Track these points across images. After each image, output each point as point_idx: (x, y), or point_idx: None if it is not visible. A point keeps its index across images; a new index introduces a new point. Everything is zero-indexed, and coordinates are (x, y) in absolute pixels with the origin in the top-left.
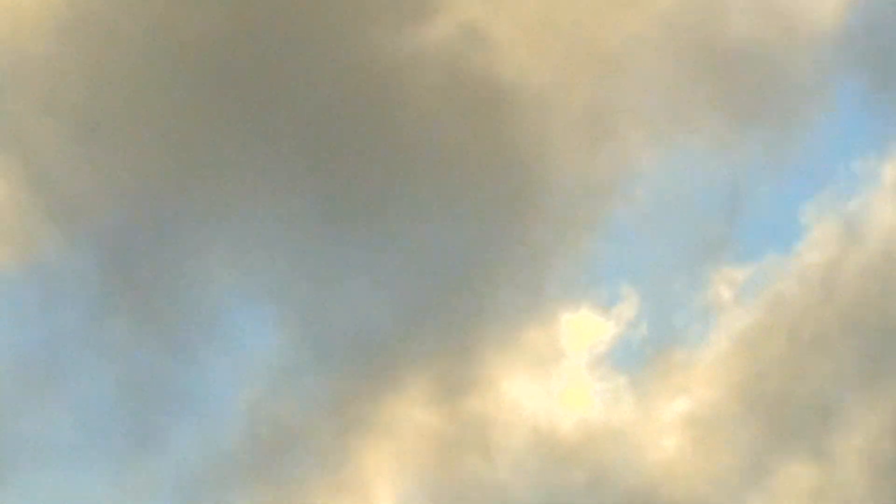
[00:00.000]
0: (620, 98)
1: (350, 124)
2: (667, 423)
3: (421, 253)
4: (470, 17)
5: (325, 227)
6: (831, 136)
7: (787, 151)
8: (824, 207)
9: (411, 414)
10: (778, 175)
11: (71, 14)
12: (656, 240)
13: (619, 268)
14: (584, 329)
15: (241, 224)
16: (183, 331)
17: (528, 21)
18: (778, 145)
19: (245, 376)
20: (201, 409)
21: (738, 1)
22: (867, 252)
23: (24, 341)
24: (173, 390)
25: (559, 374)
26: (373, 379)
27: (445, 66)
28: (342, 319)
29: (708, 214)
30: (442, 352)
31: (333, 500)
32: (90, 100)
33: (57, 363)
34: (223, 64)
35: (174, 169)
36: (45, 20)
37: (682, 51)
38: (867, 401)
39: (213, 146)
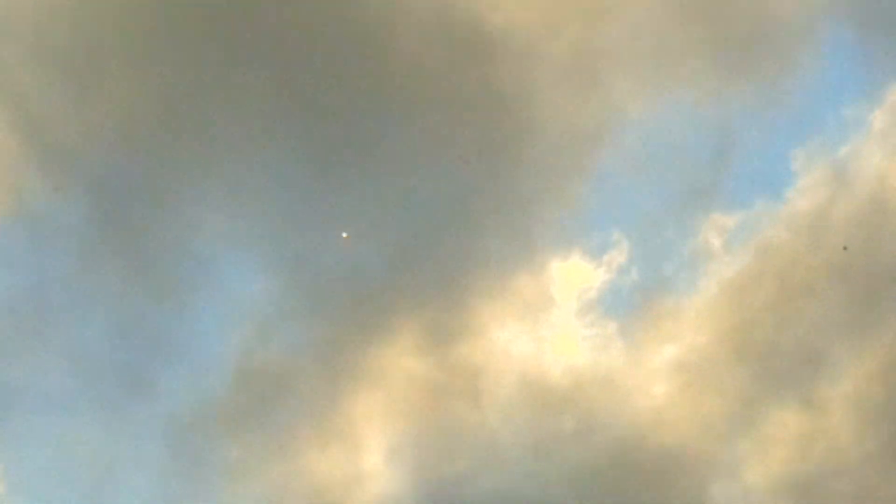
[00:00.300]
0: (609, 45)
1: (339, 72)
2: (656, 370)
3: (410, 201)
4: None
5: (315, 175)
6: (821, 83)
7: (776, 99)
8: (814, 154)
9: (400, 361)
10: (767, 122)
11: None
12: (646, 187)
13: (609, 215)
14: (573, 276)
15: (231, 171)
16: (173, 277)
17: None
18: (767, 93)
19: (235, 323)
20: (191, 355)
21: None
22: (856, 198)
23: (15, 288)
24: (163, 337)
25: (549, 322)
26: (362, 326)
27: (433, 13)
28: (331, 267)
29: (697, 161)
30: (431, 299)
31: (322, 446)
32: (80, 48)
33: (47, 310)
34: (214, 13)
35: (164, 116)
36: None
37: None
38: (855, 347)
39: (203, 94)
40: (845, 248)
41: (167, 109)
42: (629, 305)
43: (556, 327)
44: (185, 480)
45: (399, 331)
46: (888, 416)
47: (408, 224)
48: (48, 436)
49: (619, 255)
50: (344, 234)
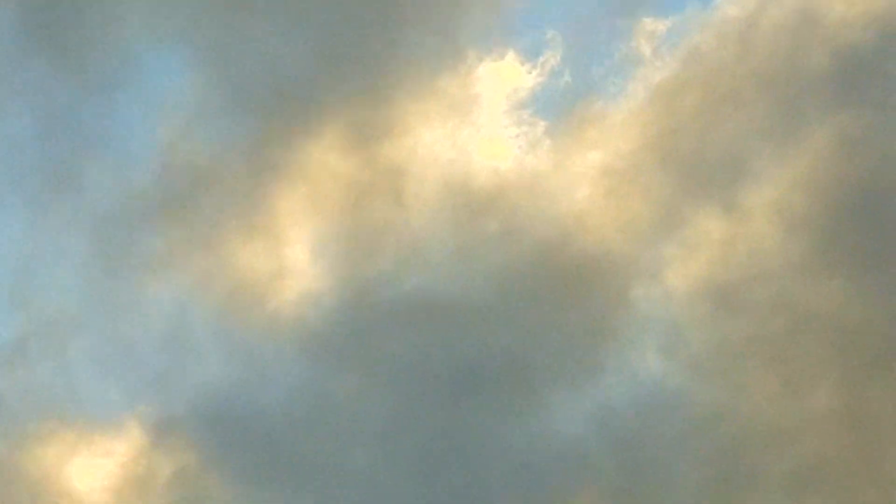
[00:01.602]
0: None
1: None
2: (581, 174)
3: None
4: None
5: None
6: None
7: None
8: None
9: (324, 158)
10: None
11: None
12: None
13: (538, 17)
14: (501, 78)
15: None
16: (98, 72)
17: None
18: None
19: (159, 118)
20: (116, 149)
21: None
22: (785, 6)
23: None
24: (88, 131)
25: (476, 123)
26: (287, 122)
27: None
28: (256, 62)
29: None
30: (357, 97)
31: (245, 242)
32: None
33: None
34: None
35: None
36: None
37: None
38: (779, 155)
39: None
40: None
41: None
42: (556, 109)
43: (483, 129)
44: (108, 273)
45: (323, 128)
46: (810, 224)
47: (333, 21)
48: None
49: (548, 59)
50: None
